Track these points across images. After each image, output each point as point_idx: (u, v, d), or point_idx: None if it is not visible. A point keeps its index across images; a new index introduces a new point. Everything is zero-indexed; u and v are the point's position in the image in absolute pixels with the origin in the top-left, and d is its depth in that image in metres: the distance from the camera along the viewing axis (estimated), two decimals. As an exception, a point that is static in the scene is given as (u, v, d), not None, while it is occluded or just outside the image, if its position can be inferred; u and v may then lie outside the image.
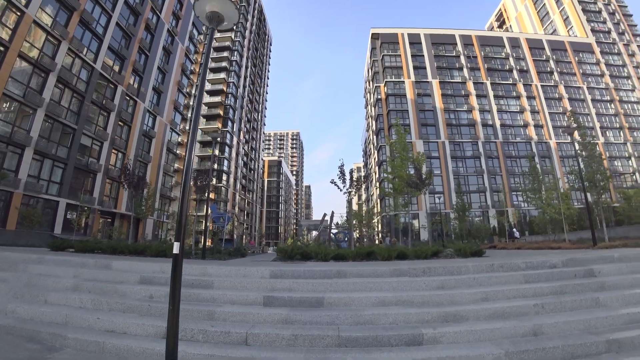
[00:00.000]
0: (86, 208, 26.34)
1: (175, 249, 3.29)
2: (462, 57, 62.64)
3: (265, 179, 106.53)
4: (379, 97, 61.16)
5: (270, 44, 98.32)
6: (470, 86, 60.67)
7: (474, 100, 59.69)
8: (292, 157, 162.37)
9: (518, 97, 61.29)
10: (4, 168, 21.43)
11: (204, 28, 50.60)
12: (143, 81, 35.80)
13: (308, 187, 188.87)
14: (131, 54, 33.54)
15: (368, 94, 74.68)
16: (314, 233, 77.42)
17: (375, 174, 65.21)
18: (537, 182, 24.69)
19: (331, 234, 27.02)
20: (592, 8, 71.81)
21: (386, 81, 59.79)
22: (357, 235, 29.97)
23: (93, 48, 29.22)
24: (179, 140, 49.77)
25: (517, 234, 29.11)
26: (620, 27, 71.61)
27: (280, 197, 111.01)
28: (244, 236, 69.36)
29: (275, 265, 7.55)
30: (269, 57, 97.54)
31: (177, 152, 48.23)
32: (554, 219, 22.12)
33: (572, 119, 24.77)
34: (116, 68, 32.03)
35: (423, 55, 62.05)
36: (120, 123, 32.69)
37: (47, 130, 24.96)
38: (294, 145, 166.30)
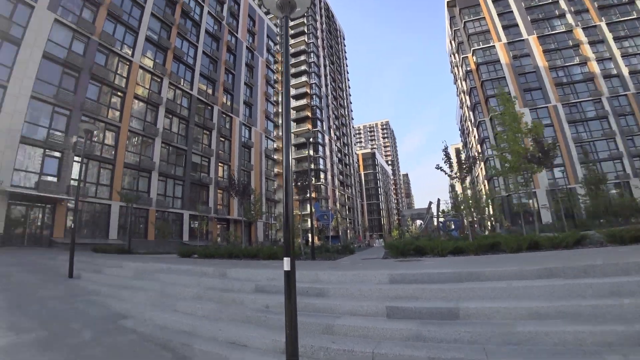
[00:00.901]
0: (205, 217, 29.58)
1: (286, 265, 2.99)
2: (561, 1, 52.94)
3: (362, 172, 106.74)
4: (468, 69, 55.61)
5: (344, 39, 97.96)
6: (579, 33, 50.97)
7: (586, 50, 49.99)
8: (384, 147, 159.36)
9: (650, 33, 49.47)
10: (139, 190, 25.24)
11: (276, 30, 52.03)
12: (234, 98, 38.75)
13: (405, 175, 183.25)
14: (219, 75, 36.61)
15: (455, 68, 68.72)
16: (418, 222, 74.63)
17: (478, 153, 59.60)
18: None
19: (439, 223, 25.21)
20: None
21: (473, 50, 54.05)
22: (467, 222, 27.61)
23: (188, 78, 32.88)
24: (275, 146, 52.61)
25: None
26: None
27: (379, 189, 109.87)
28: (348, 231, 70.40)
29: (390, 265, 7.02)
30: (345, 52, 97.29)
31: (275, 157, 51.02)
32: None
33: None
34: (209, 91, 35.41)
35: (512, 11, 54.29)
36: (221, 139, 35.86)
37: (165, 155, 28.73)
38: (385, 135, 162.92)
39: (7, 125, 18.68)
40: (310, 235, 16.74)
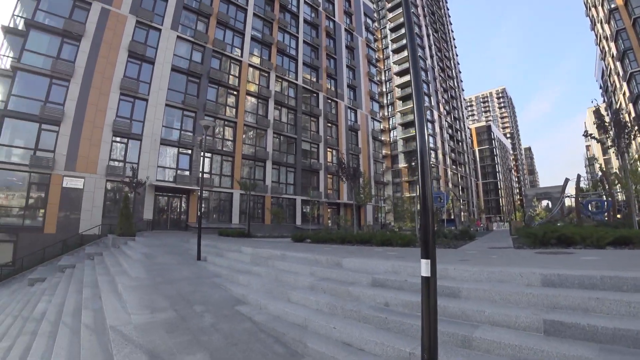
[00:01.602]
0: (316, 202, 30.56)
1: (424, 269, 2.32)
2: None
3: (476, 149, 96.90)
4: (612, 5, 44.18)
5: (446, 2, 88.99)
6: None
7: None
8: (501, 118, 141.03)
9: None
10: (256, 179, 27.34)
11: (372, 7, 49.82)
12: (337, 82, 38.70)
13: (528, 149, 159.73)
14: (321, 62, 36.87)
15: (593, 10, 55.58)
16: (544, 203, 64.17)
17: (630, 114, 47.55)
18: None
19: (581, 204, 20.71)
20: None
21: (623, -22, 42.79)
22: (621, 203, 22.07)
23: (292, 68, 33.97)
24: (381, 127, 51.39)
25: None
26: None
27: (496, 166, 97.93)
28: (462, 212, 65.20)
29: (533, 260, 5.72)
30: (449, 17, 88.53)
31: (382, 138, 49.89)
32: None
33: None
34: (313, 79, 36.02)
35: None
36: (328, 124, 36.38)
37: (277, 144, 30.48)
38: (502, 104, 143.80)
39: (150, 130, 22.19)
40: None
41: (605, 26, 49.07)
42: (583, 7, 62.88)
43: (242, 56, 28.93)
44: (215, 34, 27.39)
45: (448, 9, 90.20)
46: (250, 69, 29.62)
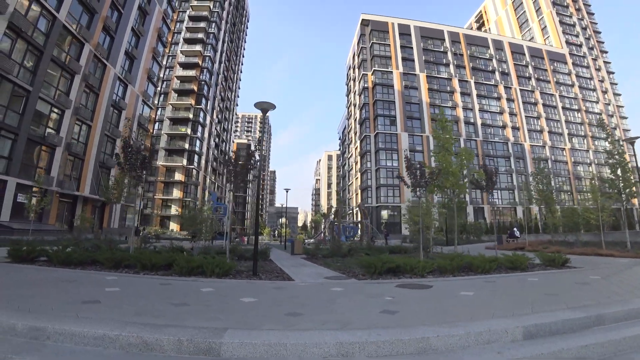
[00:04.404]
0: (44, 191, 21.43)
1: None
2: (449, 54, 61.92)
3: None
4: (365, 85, 58.87)
5: (248, 21, 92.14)
6: (456, 83, 60.26)
7: (458, 98, 59.42)
8: (260, 140, 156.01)
9: (499, 99, 61.99)
10: None
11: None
12: (115, 42, 30.50)
13: (273, 172, 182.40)
14: (103, 7, 28.14)
15: (352, 82, 72.10)
16: (281, 220, 75.51)
17: (357, 164, 63.49)
18: (547, 184, 23.45)
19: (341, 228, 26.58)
20: (568, 21, 74.50)
21: (374, 70, 57.55)
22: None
23: (57, -8, 23.74)
24: (149, 115, 44.11)
25: (517, 233, 28.08)
26: (590, 42, 75.17)
27: (248, 182, 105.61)
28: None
29: (430, 299, 4.83)
30: (246, 34, 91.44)
31: (149, 128, 42.79)
32: (576, 221, 20.95)
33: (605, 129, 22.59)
34: (83, 23, 26.63)
35: (412, 48, 60.46)
36: (86, 89, 27.45)
37: (-7, 90, 19.78)
38: (263, 129, 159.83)
39: None
40: (234, 233, 12.96)
41: (358, 97, 64.03)
42: (345, 77, 79.92)
43: None
44: None
45: (247, 28, 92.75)
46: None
